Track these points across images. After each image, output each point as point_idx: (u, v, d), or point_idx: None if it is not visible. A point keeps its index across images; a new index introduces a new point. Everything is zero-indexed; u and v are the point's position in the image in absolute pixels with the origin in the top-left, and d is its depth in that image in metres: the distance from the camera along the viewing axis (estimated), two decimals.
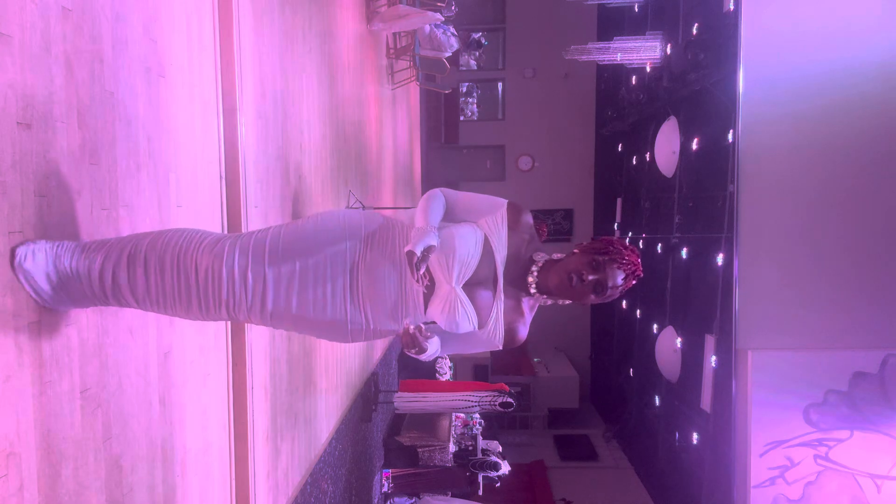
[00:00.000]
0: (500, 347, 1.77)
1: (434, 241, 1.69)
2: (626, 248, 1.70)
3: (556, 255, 1.78)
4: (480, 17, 13.23)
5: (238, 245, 1.69)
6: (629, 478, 9.61)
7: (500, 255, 1.74)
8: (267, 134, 3.33)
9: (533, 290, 1.75)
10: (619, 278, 1.67)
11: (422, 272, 1.65)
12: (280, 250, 1.70)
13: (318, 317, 1.71)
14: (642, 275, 1.72)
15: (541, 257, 1.78)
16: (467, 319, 1.69)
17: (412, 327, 1.63)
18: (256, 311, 1.69)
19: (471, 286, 1.71)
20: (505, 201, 1.82)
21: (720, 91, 6.58)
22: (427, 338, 1.65)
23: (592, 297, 1.69)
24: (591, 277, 1.66)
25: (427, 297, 1.72)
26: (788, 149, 5.99)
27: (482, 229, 1.76)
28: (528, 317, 1.82)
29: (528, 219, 1.82)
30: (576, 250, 1.75)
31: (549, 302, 1.81)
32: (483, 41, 12.49)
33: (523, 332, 1.80)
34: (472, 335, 1.78)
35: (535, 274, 1.74)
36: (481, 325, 1.73)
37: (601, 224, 12.35)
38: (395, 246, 1.74)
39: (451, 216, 1.84)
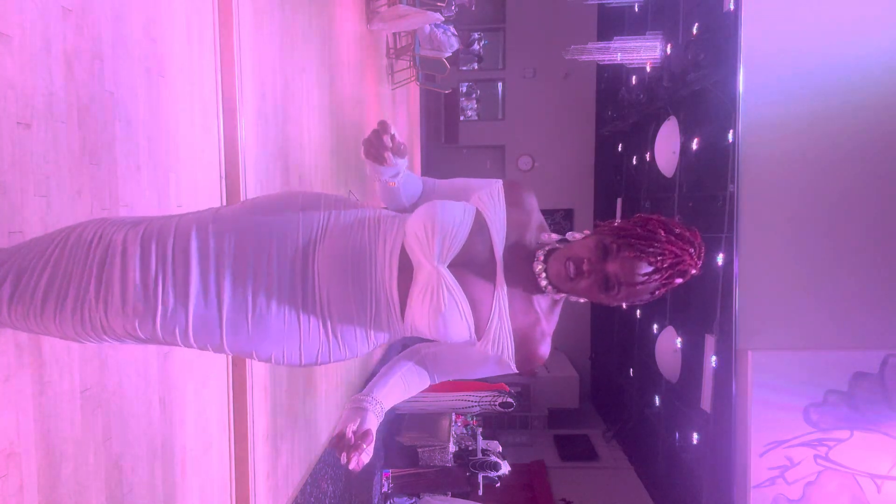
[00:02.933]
0: (513, 366, 1.33)
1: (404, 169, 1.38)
2: (667, 230, 1.22)
3: (574, 236, 1.35)
4: (480, 17, 13.22)
5: (158, 224, 1.32)
6: (629, 478, 9.60)
7: (497, 230, 1.33)
8: (267, 134, 3.33)
9: (544, 283, 1.31)
10: (639, 272, 1.20)
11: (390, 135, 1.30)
12: (213, 228, 1.31)
13: (261, 324, 1.29)
14: (691, 269, 1.23)
15: (550, 238, 1.36)
16: (458, 313, 1.26)
17: (350, 430, 1.28)
18: (170, 321, 1.25)
19: (460, 270, 1.29)
20: (500, 180, 1.44)
21: (720, 91, 6.57)
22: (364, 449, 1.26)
23: (602, 295, 1.26)
24: (589, 267, 1.24)
25: (403, 290, 1.31)
26: (789, 149, 5.99)
27: (473, 204, 1.38)
28: (547, 327, 1.35)
29: (532, 199, 1.41)
30: (587, 231, 1.34)
31: (560, 296, 1.37)
32: (482, 52, 12.48)
33: (542, 345, 1.33)
34: (470, 351, 1.37)
35: (542, 258, 1.32)
36: (479, 329, 1.29)
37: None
38: (362, 230, 1.34)
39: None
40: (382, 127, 1.31)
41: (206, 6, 2.72)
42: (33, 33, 1.64)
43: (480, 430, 7.86)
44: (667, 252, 1.20)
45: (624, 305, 1.33)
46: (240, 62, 2.94)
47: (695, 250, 1.22)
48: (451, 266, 1.28)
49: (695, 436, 7.15)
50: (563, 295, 1.36)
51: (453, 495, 6.88)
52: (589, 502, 9.08)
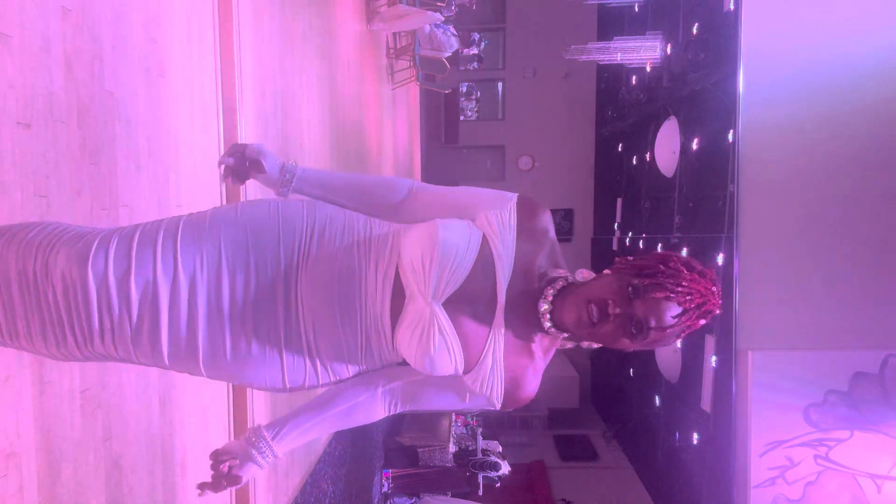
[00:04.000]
0: (497, 406, 1.23)
1: (275, 161, 1.27)
2: (689, 268, 1.13)
3: (582, 275, 1.23)
4: (480, 17, 13.22)
5: (115, 239, 1.15)
6: (629, 478, 9.60)
7: (504, 267, 1.20)
8: (267, 134, 3.33)
9: (547, 325, 1.20)
10: (670, 314, 1.10)
11: (226, 163, 1.26)
12: (181, 245, 1.16)
13: (240, 362, 1.19)
14: (715, 309, 1.14)
15: (560, 276, 1.23)
16: (448, 354, 1.16)
17: (227, 466, 1.23)
18: (145, 347, 1.16)
19: (456, 306, 1.17)
20: (514, 195, 1.26)
21: (720, 91, 6.57)
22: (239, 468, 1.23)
23: (626, 340, 1.14)
24: (618, 310, 1.12)
25: (396, 318, 1.19)
26: (789, 148, 5.99)
27: (479, 228, 1.23)
28: (541, 364, 1.26)
29: (548, 221, 1.26)
30: (607, 270, 1.20)
31: (572, 345, 1.27)
32: (481, 53, 12.49)
33: (532, 384, 1.25)
34: (454, 384, 1.24)
35: (551, 300, 1.20)
36: (468, 366, 1.18)
37: (601, 224, 12.35)
38: (351, 253, 1.20)
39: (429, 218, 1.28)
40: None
41: (206, 6, 2.72)
42: (33, 33, 1.64)
43: (480, 430, 7.86)
44: (694, 292, 1.11)
45: (632, 346, 1.17)
46: (240, 62, 2.94)
47: (717, 289, 1.14)
48: (446, 303, 1.17)
49: (695, 436, 7.14)
50: (564, 336, 1.24)
51: (453, 495, 6.88)
52: (589, 502, 9.08)
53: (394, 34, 8.00)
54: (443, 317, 1.15)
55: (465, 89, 13.91)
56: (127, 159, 2.05)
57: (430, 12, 7.04)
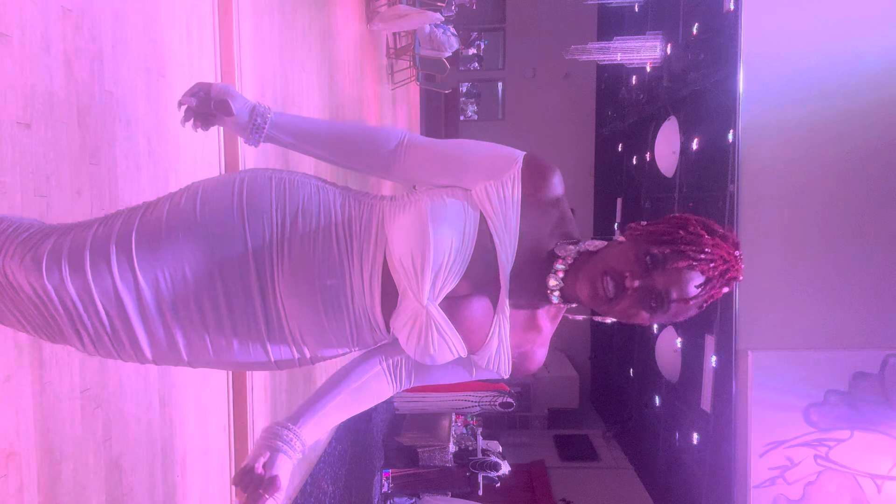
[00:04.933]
0: (506, 376, 1.17)
1: (245, 103, 1.14)
2: (710, 232, 1.03)
3: (592, 244, 1.11)
4: (480, 17, 13.22)
5: (67, 245, 1.07)
6: (629, 478, 9.60)
7: (506, 253, 1.09)
8: None
9: (557, 300, 1.12)
10: (693, 284, 1.01)
11: (187, 104, 1.13)
12: (137, 258, 1.07)
13: (223, 357, 1.14)
14: (738, 276, 1.05)
15: (569, 251, 1.11)
16: (448, 351, 1.10)
17: (260, 464, 1.08)
18: (129, 352, 1.12)
19: (454, 299, 1.09)
20: (521, 154, 1.13)
21: (720, 91, 6.57)
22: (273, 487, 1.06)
23: (644, 314, 1.04)
24: (636, 283, 1.02)
25: (388, 309, 1.11)
26: (789, 148, 5.99)
27: (476, 204, 1.10)
28: (548, 332, 1.18)
29: (559, 186, 1.13)
30: (622, 237, 1.09)
31: (583, 317, 1.17)
32: (480, 53, 12.50)
33: (540, 354, 1.18)
34: (460, 362, 1.18)
35: (561, 275, 1.10)
36: (473, 349, 1.12)
37: (601, 224, 12.35)
38: (329, 246, 1.10)
39: (422, 181, 1.18)
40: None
41: (206, 6, 2.72)
42: (33, 33, 1.64)
43: (480, 430, 7.86)
44: (717, 258, 1.01)
45: (651, 319, 1.07)
46: (240, 62, 2.94)
47: (739, 253, 1.04)
48: (442, 300, 1.08)
49: (695, 436, 7.14)
50: (584, 315, 1.16)
51: (453, 495, 6.88)
52: (589, 502, 9.08)
53: (394, 34, 8.00)
54: (440, 317, 1.07)
55: (465, 89, 13.91)
56: (127, 159, 2.05)
57: (430, 12, 7.03)
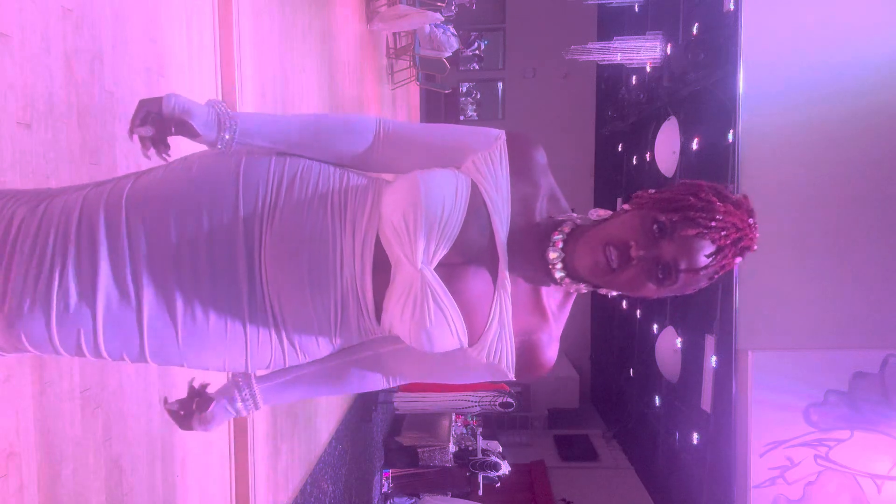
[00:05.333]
0: (511, 376, 1.06)
1: (207, 117, 1.04)
2: (722, 198, 0.96)
3: (597, 213, 1.07)
4: (480, 17, 13.22)
5: (59, 200, 1.04)
6: (629, 478, 9.60)
7: (501, 215, 1.04)
8: None
9: (559, 275, 1.04)
10: (703, 254, 0.94)
11: (138, 128, 1.02)
12: (126, 213, 1.03)
13: (194, 334, 1.03)
14: (753, 245, 0.97)
15: (567, 217, 1.07)
16: (447, 326, 1.00)
17: (194, 384, 1.14)
18: (67, 318, 1.00)
19: (451, 268, 1.01)
20: (501, 132, 1.10)
21: (720, 91, 6.57)
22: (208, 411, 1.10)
23: (651, 286, 0.98)
24: (640, 253, 0.96)
25: (380, 288, 1.04)
26: (789, 148, 5.99)
27: (466, 173, 1.06)
28: (557, 326, 1.09)
29: (542, 158, 1.10)
30: (626, 205, 1.05)
31: (587, 289, 1.08)
32: (481, 54, 12.51)
33: (549, 351, 1.07)
34: (458, 357, 1.08)
35: (560, 245, 1.03)
36: (473, 335, 1.02)
37: None
38: (323, 212, 1.04)
39: (403, 168, 1.10)
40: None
41: (206, 6, 2.72)
42: (33, 33, 1.64)
43: (480, 430, 7.86)
44: (729, 226, 0.94)
45: (659, 292, 1.00)
46: (240, 62, 2.94)
47: (753, 220, 0.97)
48: (438, 266, 1.00)
49: (695, 436, 7.14)
50: (582, 287, 1.06)
51: (453, 495, 6.88)
52: (589, 502, 9.08)
53: (394, 34, 8.00)
54: (436, 283, 0.99)
55: (465, 89, 13.91)
56: (127, 159, 2.05)
57: (430, 12, 7.03)
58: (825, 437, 6.07)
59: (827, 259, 6.02)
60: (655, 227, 0.96)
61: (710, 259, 0.95)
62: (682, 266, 0.95)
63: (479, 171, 1.06)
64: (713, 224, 0.93)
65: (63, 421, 1.71)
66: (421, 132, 1.12)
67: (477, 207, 1.03)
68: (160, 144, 1.06)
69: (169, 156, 1.09)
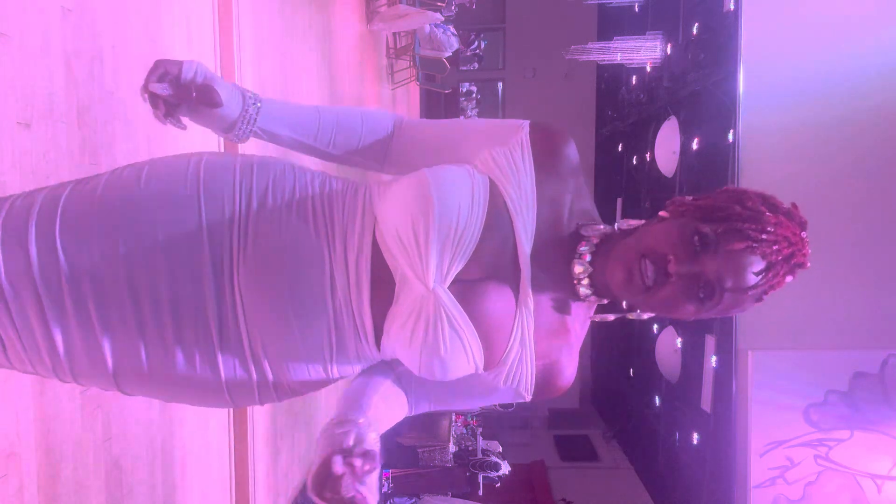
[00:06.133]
0: (527, 399, 0.96)
1: (231, 90, 0.92)
2: (773, 208, 0.86)
3: (625, 223, 0.95)
4: (480, 17, 13.22)
5: None
6: (629, 478, 9.60)
7: (524, 221, 0.91)
8: None
9: (585, 292, 0.93)
10: (752, 270, 0.83)
11: (158, 92, 0.89)
12: (61, 225, 0.86)
13: (161, 371, 0.89)
14: (806, 263, 0.86)
15: (596, 231, 0.94)
16: (464, 354, 0.87)
17: (340, 462, 0.77)
18: (43, 356, 0.87)
19: (466, 284, 0.88)
20: (526, 122, 0.97)
21: (720, 91, 6.57)
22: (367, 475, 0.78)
23: (690, 307, 0.86)
24: (680, 268, 0.84)
25: (379, 309, 0.90)
26: (789, 149, 5.99)
27: (483, 170, 0.92)
28: (577, 341, 0.98)
29: (573, 153, 0.98)
30: (662, 213, 0.92)
31: (613, 317, 0.99)
32: (481, 54, 12.52)
33: (569, 370, 0.96)
34: (473, 382, 0.97)
35: (587, 258, 0.92)
36: (492, 360, 0.90)
37: None
38: (306, 221, 0.89)
39: (417, 164, 0.96)
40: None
41: (206, 6, 2.72)
42: (33, 33, 1.64)
43: (480, 430, 7.86)
44: (780, 240, 0.83)
45: (698, 313, 0.89)
46: (240, 62, 2.94)
47: (805, 234, 0.86)
48: (453, 283, 0.87)
49: (695, 436, 7.14)
50: (608, 315, 0.98)
51: (453, 495, 6.88)
52: (589, 502, 9.08)
53: (394, 34, 8.00)
54: (452, 304, 0.85)
55: (465, 89, 13.91)
56: (127, 159, 2.05)
57: (430, 12, 7.03)
58: (825, 437, 6.07)
59: (827, 259, 6.02)
60: (697, 238, 0.84)
61: (760, 277, 0.83)
62: (728, 284, 0.84)
63: (497, 166, 0.92)
64: (764, 237, 0.82)
65: (63, 421, 1.71)
66: (438, 127, 1.02)
67: (497, 211, 0.90)
68: (175, 109, 0.92)
69: (184, 126, 0.95)
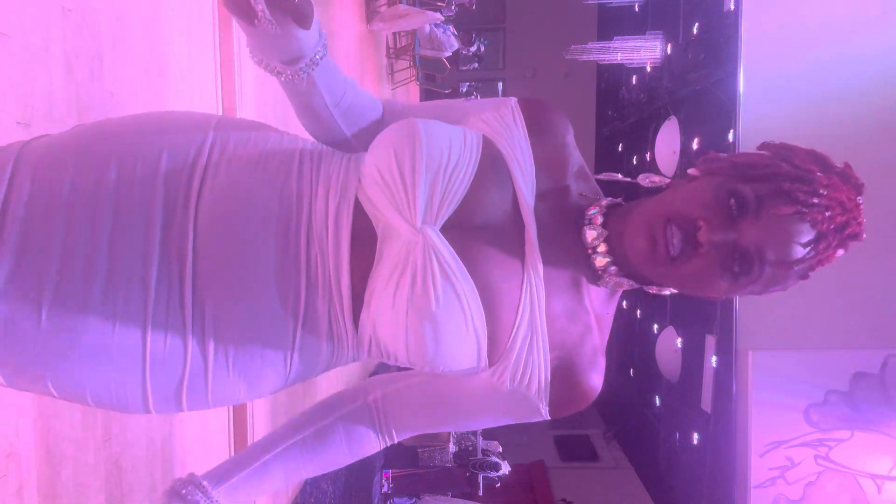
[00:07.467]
0: (545, 412, 0.78)
1: (317, 25, 0.81)
2: (826, 168, 0.76)
3: (646, 178, 0.86)
4: (480, 17, 13.22)
5: None
6: (629, 478, 9.61)
7: (523, 168, 0.78)
8: None
9: (602, 261, 0.78)
10: (800, 241, 0.70)
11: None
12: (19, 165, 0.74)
13: (65, 332, 0.69)
14: (861, 234, 0.77)
15: (607, 201, 0.85)
16: (462, 315, 0.70)
17: None
18: None
19: (462, 236, 0.73)
20: (513, 98, 0.86)
21: (720, 91, 6.57)
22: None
23: (722, 283, 0.72)
24: (713, 236, 0.70)
25: (359, 273, 0.74)
26: None
27: (475, 129, 0.82)
28: (602, 330, 0.83)
29: (568, 127, 0.87)
30: (692, 170, 0.80)
31: (628, 285, 0.82)
32: (481, 54, 12.54)
33: (595, 372, 0.81)
34: (468, 387, 0.79)
35: (600, 222, 0.80)
36: (495, 347, 0.73)
37: None
38: (287, 166, 0.78)
39: None
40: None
41: (206, 6, 2.72)
42: (33, 33, 1.64)
43: (480, 429, 7.87)
44: (834, 205, 0.70)
45: (732, 290, 0.74)
46: (240, 62, 2.94)
47: (861, 200, 0.76)
48: (445, 231, 0.72)
49: (695, 436, 7.14)
50: (624, 281, 0.79)
51: (453, 495, 6.88)
52: (589, 502, 9.08)
53: (394, 34, 8.00)
54: (444, 248, 0.70)
55: (465, 89, 13.91)
56: None
57: (430, 12, 7.04)
58: (825, 437, 6.07)
59: None
60: (734, 201, 0.70)
61: (808, 249, 0.70)
62: (770, 256, 0.69)
63: (490, 127, 0.81)
64: (815, 201, 0.69)
65: (63, 421, 1.71)
66: (425, 104, 0.92)
67: (493, 162, 0.77)
68: (274, 8, 0.76)
69: (276, 28, 0.80)
